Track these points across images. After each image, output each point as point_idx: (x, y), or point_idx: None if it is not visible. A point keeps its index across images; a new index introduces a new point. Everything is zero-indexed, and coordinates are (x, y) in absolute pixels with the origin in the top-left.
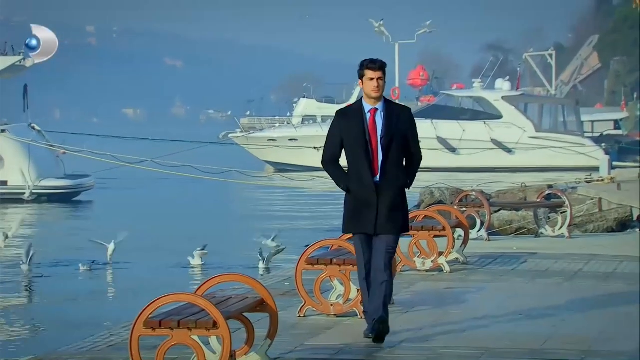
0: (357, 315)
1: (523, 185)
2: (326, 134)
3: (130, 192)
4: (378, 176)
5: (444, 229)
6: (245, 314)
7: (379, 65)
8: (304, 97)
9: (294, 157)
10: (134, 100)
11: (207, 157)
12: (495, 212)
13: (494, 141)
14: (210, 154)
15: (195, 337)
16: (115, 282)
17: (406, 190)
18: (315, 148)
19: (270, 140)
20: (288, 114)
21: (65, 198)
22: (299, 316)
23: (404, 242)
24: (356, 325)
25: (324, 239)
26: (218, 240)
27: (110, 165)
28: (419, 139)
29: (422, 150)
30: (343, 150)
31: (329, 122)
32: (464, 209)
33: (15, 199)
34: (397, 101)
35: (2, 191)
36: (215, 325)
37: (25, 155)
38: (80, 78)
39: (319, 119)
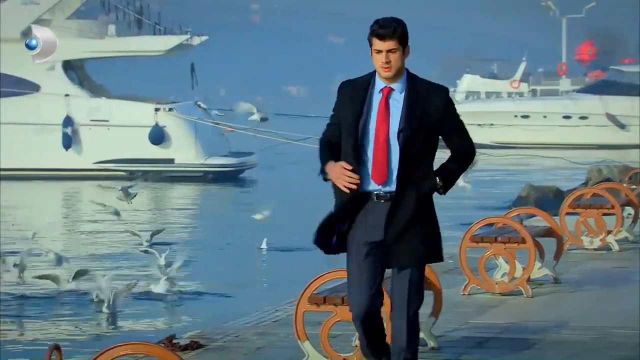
0: (522, 294)
1: None
2: (490, 110)
3: (294, 170)
4: (387, 183)
5: (612, 207)
6: None
7: (389, 32)
8: (467, 72)
9: None
10: (297, 77)
11: None
12: None
13: None
14: None
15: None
16: (283, 259)
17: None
18: (479, 125)
19: None
20: (452, 89)
21: (230, 176)
22: (463, 294)
23: (571, 220)
24: (521, 304)
25: (489, 217)
26: None
27: (273, 143)
28: (467, 129)
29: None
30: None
31: (493, 98)
32: (633, 186)
33: (182, 177)
34: (563, 77)
35: (169, 168)
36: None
37: (191, 133)
38: (244, 56)
39: (483, 95)
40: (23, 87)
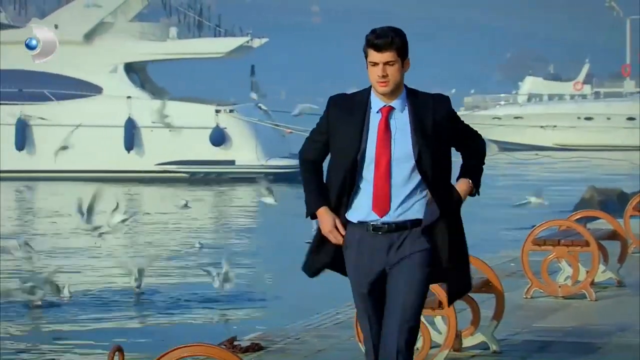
0: (586, 297)
1: None
2: (553, 112)
3: None
4: (387, 214)
5: None
6: (470, 294)
7: (386, 43)
8: (529, 74)
9: (519, 135)
10: (357, 79)
11: None
12: None
13: None
14: None
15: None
16: None
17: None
18: (541, 127)
19: (495, 118)
20: (513, 92)
21: (290, 177)
22: (526, 297)
23: (635, 223)
24: (585, 307)
25: (552, 220)
26: None
27: None
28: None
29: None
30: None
31: (556, 100)
32: None
33: (243, 178)
34: (627, 79)
35: (230, 170)
36: (440, 305)
37: (252, 134)
38: (304, 58)
39: (546, 97)
40: (85, 89)
